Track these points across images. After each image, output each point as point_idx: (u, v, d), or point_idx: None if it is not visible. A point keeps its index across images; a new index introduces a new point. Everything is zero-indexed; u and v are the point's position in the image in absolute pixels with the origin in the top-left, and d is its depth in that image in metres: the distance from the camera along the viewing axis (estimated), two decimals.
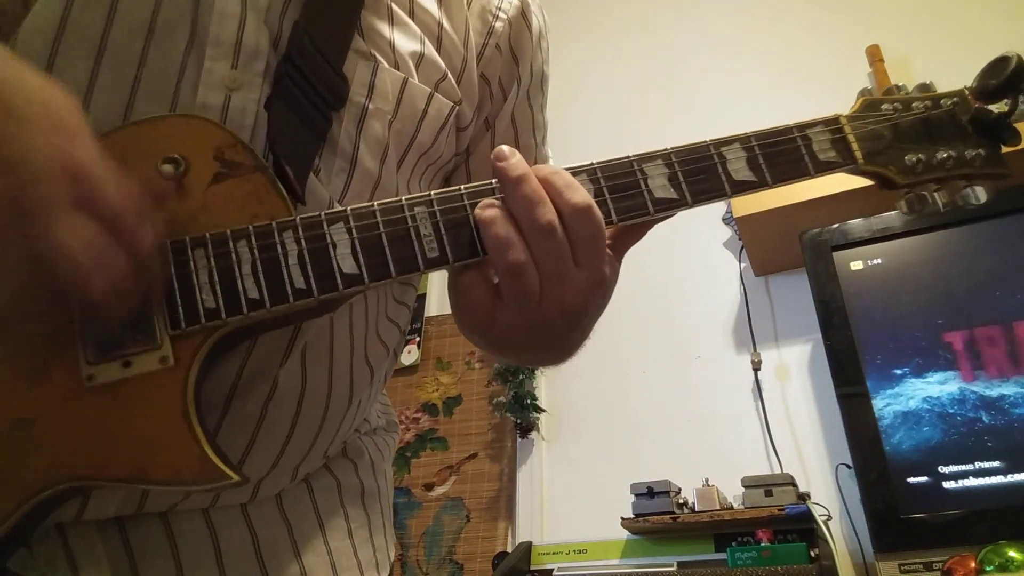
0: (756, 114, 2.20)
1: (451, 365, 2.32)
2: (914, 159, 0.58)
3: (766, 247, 1.87)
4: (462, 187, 0.52)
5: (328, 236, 0.49)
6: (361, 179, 0.58)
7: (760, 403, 1.87)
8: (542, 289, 0.49)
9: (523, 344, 0.53)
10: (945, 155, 0.58)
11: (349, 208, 0.50)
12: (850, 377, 1.50)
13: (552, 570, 1.68)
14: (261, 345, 0.54)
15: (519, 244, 0.48)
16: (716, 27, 2.37)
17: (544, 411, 2.12)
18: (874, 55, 1.99)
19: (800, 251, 1.64)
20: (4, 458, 0.44)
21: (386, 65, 0.60)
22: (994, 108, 0.59)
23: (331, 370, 0.60)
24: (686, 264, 2.07)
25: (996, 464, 1.36)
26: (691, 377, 1.99)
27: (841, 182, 1.67)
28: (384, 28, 0.61)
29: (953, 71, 1.92)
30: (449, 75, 0.66)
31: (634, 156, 0.54)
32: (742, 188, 0.55)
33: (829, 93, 2.07)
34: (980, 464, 1.37)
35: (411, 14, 0.64)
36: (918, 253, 1.57)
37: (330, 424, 0.62)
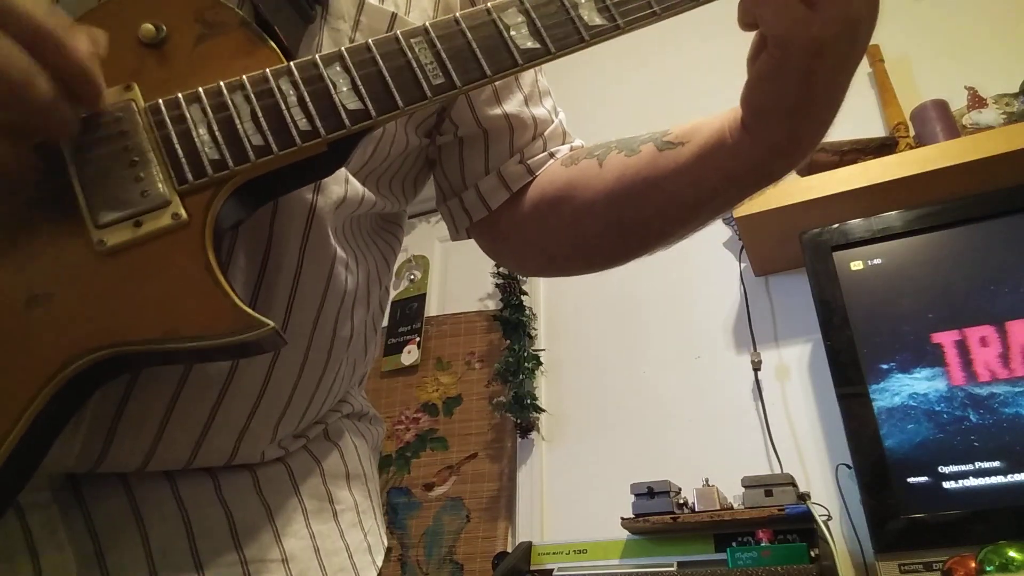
0: None
1: (451, 365, 2.32)
2: None
3: (766, 247, 1.87)
4: (456, 13, 0.51)
5: (326, 76, 0.48)
6: None
7: (760, 403, 1.87)
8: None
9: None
10: None
11: (343, 48, 0.48)
12: (850, 377, 1.50)
13: (552, 570, 1.68)
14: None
15: None
16: (715, 25, 2.36)
17: (544, 411, 2.12)
18: (874, 55, 1.99)
19: (800, 251, 1.64)
20: (25, 337, 0.42)
21: None
22: None
23: (317, 318, 0.58)
24: (686, 264, 2.07)
25: (996, 464, 1.36)
26: (691, 377, 1.99)
27: (841, 182, 1.67)
28: None
29: (953, 72, 1.93)
30: None
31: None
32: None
33: None
34: (980, 464, 1.37)
35: None
36: (918, 253, 1.57)
37: (309, 376, 0.59)
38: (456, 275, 2.48)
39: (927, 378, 1.46)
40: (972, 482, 1.36)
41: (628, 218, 0.67)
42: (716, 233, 2.11)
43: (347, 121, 0.47)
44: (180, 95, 0.46)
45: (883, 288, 1.56)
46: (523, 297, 2.24)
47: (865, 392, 1.47)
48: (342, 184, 0.59)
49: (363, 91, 0.48)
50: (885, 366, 1.49)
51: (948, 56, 1.98)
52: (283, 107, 0.47)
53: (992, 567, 1.21)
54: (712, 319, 2.03)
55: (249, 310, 0.43)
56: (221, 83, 0.47)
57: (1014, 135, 1.57)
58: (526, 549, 1.74)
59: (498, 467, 2.10)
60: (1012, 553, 1.21)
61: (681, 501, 1.62)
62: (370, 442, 0.73)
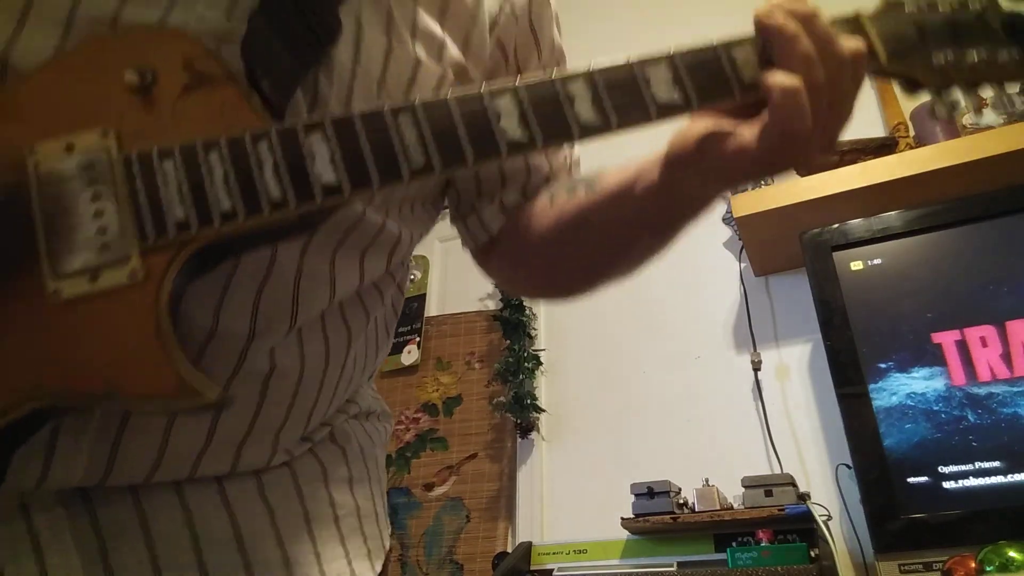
0: None
1: (451, 365, 2.32)
2: (942, 60, 0.55)
3: (766, 247, 1.87)
4: (448, 94, 0.49)
5: (306, 146, 0.46)
6: None
7: (760, 403, 1.87)
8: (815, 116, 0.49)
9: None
10: (976, 57, 0.55)
11: (328, 117, 0.47)
12: (850, 377, 1.50)
13: (552, 570, 1.68)
14: (232, 295, 0.52)
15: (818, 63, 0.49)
16: (715, 26, 2.36)
17: (544, 411, 2.12)
18: None
19: (800, 251, 1.64)
20: None
21: (373, 28, 0.58)
22: None
23: (296, 326, 0.57)
24: (686, 264, 2.07)
25: (996, 464, 1.36)
26: (691, 377, 1.99)
27: (841, 182, 1.67)
28: None
29: None
30: (450, 42, 0.64)
31: (635, 59, 0.52)
32: (752, 88, 0.52)
33: None
34: (980, 464, 1.37)
35: None
36: (918, 253, 1.57)
37: (307, 386, 0.59)
38: (456, 275, 2.48)
39: (925, 377, 1.46)
40: (972, 482, 1.36)
41: (567, 255, 0.70)
42: (716, 233, 2.11)
43: (319, 196, 0.46)
44: (155, 149, 0.45)
45: (883, 288, 1.56)
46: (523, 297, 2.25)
47: (865, 392, 1.47)
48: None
49: (340, 165, 0.46)
50: (883, 365, 1.49)
51: None
52: (256, 174, 0.45)
53: (992, 567, 1.21)
54: (712, 319, 2.03)
55: (192, 377, 0.43)
56: (197, 141, 0.46)
57: (1014, 135, 1.57)
58: (526, 549, 1.74)
59: (498, 467, 2.10)
60: (1012, 553, 1.21)
61: (681, 501, 1.62)
62: (377, 441, 0.73)
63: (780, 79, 0.48)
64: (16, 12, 0.49)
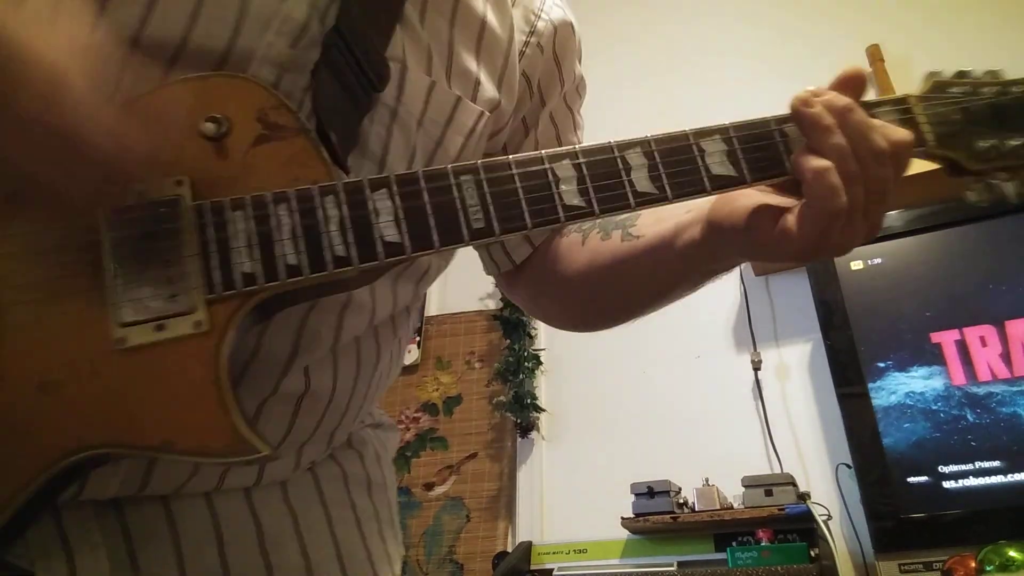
0: (757, 111, 2.20)
1: (451, 365, 2.32)
2: (986, 145, 0.56)
3: None
4: (510, 157, 0.50)
5: (371, 203, 0.47)
6: None
7: (760, 403, 1.87)
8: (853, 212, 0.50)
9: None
10: (1018, 142, 0.56)
11: (393, 174, 0.48)
12: (850, 377, 1.50)
13: (552, 570, 1.68)
14: (278, 320, 0.53)
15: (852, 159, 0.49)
16: (714, 25, 2.37)
17: (544, 411, 2.12)
18: (874, 55, 1.99)
19: None
20: (30, 421, 0.42)
21: (415, 68, 0.60)
22: None
23: (335, 347, 0.58)
24: None
25: (996, 464, 1.36)
26: (691, 377, 1.99)
27: None
28: (419, 30, 0.61)
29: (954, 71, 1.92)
30: (484, 79, 0.65)
31: (691, 131, 0.54)
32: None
33: None
34: (980, 464, 1.37)
35: (453, 14, 0.64)
36: (918, 253, 1.57)
37: (336, 405, 0.60)
38: (456, 275, 2.47)
39: (923, 377, 1.46)
40: (972, 482, 1.36)
41: (602, 297, 0.73)
42: None
43: (382, 254, 0.47)
44: (226, 200, 0.46)
45: (883, 287, 1.56)
46: None
47: (865, 392, 1.47)
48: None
49: (403, 225, 0.47)
50: (882, 364, 1.49)
51: (948, 56, 1.98)
52: (322, 229, 0.46)
53: (992, 567, 1.21)
54: (712, 319, 2.03)
55: (247, 432, 0.43)
56: (268, 194, 0.47)
57: None
58: (526, 549, 1.74)
59: (498, 467, 2.11)
60: (1012, 553, 1.21)
61: (681, 501, 1.62)
62: (390, 449, 0.74)
63: (811, 162, 0.50)
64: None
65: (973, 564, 1.24)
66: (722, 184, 0.52)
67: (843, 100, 0.51)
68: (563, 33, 0.73)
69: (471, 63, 0.64)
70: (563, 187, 0.50)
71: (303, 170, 0.48)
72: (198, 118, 0.47)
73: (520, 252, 0.75)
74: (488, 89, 0.66)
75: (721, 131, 0.53)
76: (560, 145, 0.65)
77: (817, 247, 0.51)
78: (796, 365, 1.89)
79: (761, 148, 0.53)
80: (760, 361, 1.89)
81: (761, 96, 2.43)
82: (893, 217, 1.58)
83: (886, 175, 0.50)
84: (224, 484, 0.54)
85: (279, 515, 0.57)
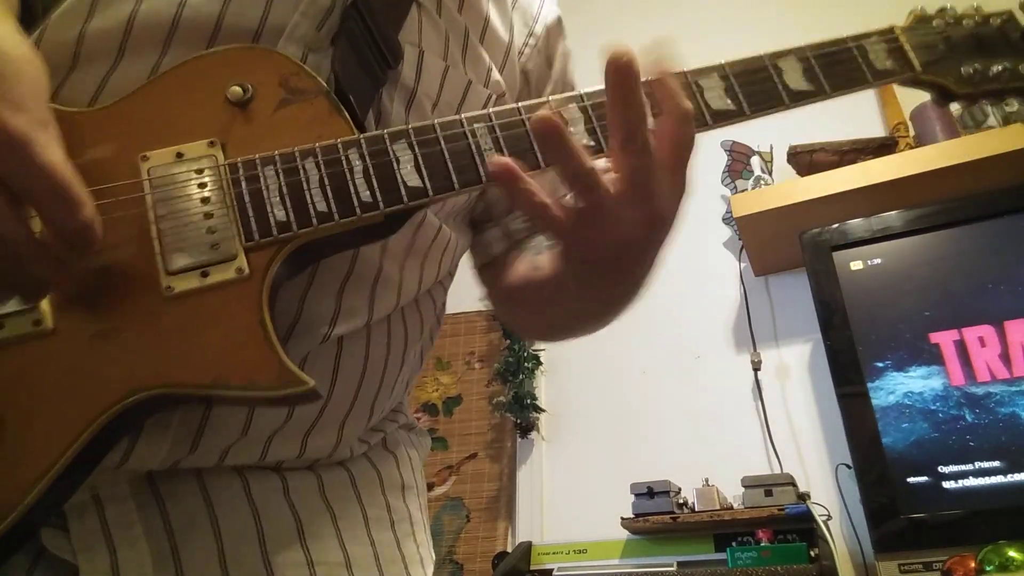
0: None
1: (451, 365, 2.32)
2: (970, 70, 0.59)
3: (766, 247, 1.87)
4: (519, 104, 0.53)
5: (391, 152, 0.51)
6: None
7: (760, 403, 1.87)
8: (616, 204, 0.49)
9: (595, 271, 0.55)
10: (1000, 68, 0.60)
11: (410, 126, 0.51)
12: (850, 377, 1.50)
13: (552, 570, 1.68)
14: (317, 286, 0.55)
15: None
16: (715, 25, 2.37)
17: (544, 411, 2.12)
18: None
19: (800, 251, 1.65)
20: (85, 368, 0.45)
21: (431, 52, 0.63)
22: None
23: (369, 322, 0.60)
24: (686, 264, 2.07)
25: (996, 464, 1.36)
26: (691, 377, 1.99)
27: (841, 182, 1.67)
28: (436, 17, 0.65)
29: None
30: (493, 67, 0.69)
31: (688, 70, 0.55)
32: (800, 98, 0.57)
33: None
34: (980, 464, 1.37)
35: (460, 7, 0.67)
36: (918, 253, 1.57)
37: (371, 375, 0.61)
38: (456, 275, 2.48)
39: (922, 377, 1.46)
40: (972, 482, 1.36)
41: (518, 316, 0.75)
42: (716, 233, 2.11)
43: (405, 197, 0.50)
44: (257, 157, 0.50)
45: (883, 288, 1.56)
46: None
47: (865, 392, 1.47)
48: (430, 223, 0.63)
49: (424, 170, 0.51)
50: (880, 364, 1.49)
51: None
52: (348, 178, 0.50)
53: (992, 567, 1.21)
54: (712, 319, 2.04)
55: (293, 367, 0.46)
56: (295, 149, 0.50)
57: (1014, 135, 1.57)
58: (526, 549, 1.74)
59: (498, 467, 2.11)
60: (1012, 553, 1.21)
61: (681, 501, 1.62)
62: (422, 453, 0.75)
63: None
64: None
65: (973, 564, 1.24)
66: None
67: (658, 67, 0.50)
68: (553, 35, 0.77)
69: (482, 51, 0.68)
70: (571, 128, 0.52)
71: (326, 128, 0.52)
72: (226, 85, 0.51)
73: (498, 246, 0.76)
74: (495, 74, 0.69)
75: (718, 69, 0.56)
76: None
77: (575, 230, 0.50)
78: (796, 365, 1.89)
79: (755, 81, 0.56)
80: (760, 361, 1.89)
81: None
82: (893, 217, 1.59)
83: (689, 136, 0.50)
84: (268, 455, 0.55)
85: (318, 511, 0.58)
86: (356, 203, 0.49)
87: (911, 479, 1.39)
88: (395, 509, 0.65)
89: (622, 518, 1.61)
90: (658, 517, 1.57)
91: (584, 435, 2.07)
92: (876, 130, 1.90)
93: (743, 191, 1.92)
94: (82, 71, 0.54)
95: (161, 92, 0.52)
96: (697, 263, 2.07)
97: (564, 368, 2.19)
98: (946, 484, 1.37)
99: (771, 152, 1.98)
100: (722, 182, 2.04)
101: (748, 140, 2.03)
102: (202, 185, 0.49)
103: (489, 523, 2.03)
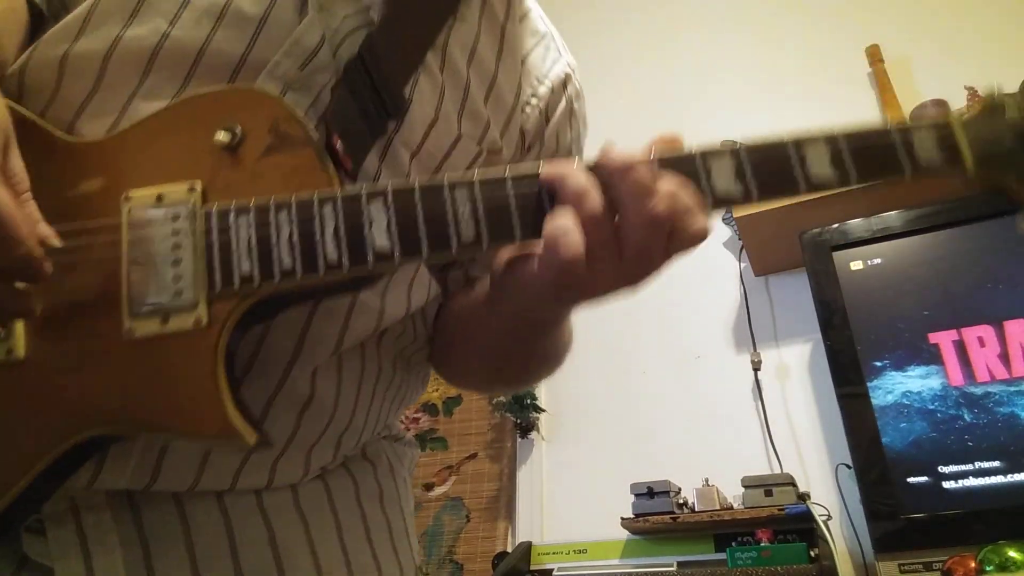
0: (756, 112, 2.20)
1: None
2: None
3: (766, 247, 1.87)
4: (506, 169, 0.51)
5: (366, 212, 0.50)
6: None
7: (760, 403, 1.87)
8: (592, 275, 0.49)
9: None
10: None
11: (390, 184, 0.50)
12: (850, 377, 1.50)
13: (552, 570, 1.68)
14: (284, 316, 0.55)
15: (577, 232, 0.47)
16: (716, 25, 2.37)
17: (544, 411, 2.12)
18: (874, 55, 1.99)
19: (800, 251, 1.65)
20: (48, 399, 0.47)
21: (420, 102, 0.62)
22: None
23: (339, 349, 0.59)
24: (686, 264, 2.06)
25: (996, 464, 1.36)
26: (691, 377, 1.99)
27: None
28: (437, 72, 0.64)
29: (953, 71, 1.93)
30: (492, 124, 0.68)
31: (696, 149, 0.51)
32: (820, 186, 0.51)
33: (829, 92, 2.07)
34: (980, 464, 1.37)
35: (469, 62, 0.67)
36: (918, 253, 1.57)
37: (341, 412, 0.61)
38: None
39: (921, 376, 1.46)
40: (972, 482, 1.36)
41: (458, 344, 0.72)
42: (716, 233, 2.11)
43: (371, 261, 0.49)
44: (232, 205, 0.50)
45: (883, 288, 1.56)
46: None
47: (865, 392, 1.47)
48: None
49: (395, 233, 0.49)
50: (879, 363, 1.49)
51: (948, 56, 1.98)
52: (319, 235, 0.49)
53: (992, 567, 1.21)
54: (712, 319, 2.03)
55: (237, 423, 0.47)
56: (271, 200, 0.50)
57: None
58: (526, 549, 1.74)
59: (498, 467, 2.11)
60: (1012, 553, 1.21)
61: (681, 501, 1.62)
62: (405, 463, 0.74)
63: (554, 217, 0.48)
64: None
65: (973, 564, 1.24)
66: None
67: (622, 159, 0.48)
68: (557, 93, 0.75)
69: (482, 108, 0.67)
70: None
71: (308, 179, 0.51)
72: (216, 127, 0.51)
73: (454, 287, 0.74)
74: (494, 133, 0.68)
75: (731, 150, 0.51)
76: None
77: (561, 288, 0.50)
78: (796, 365, 1.89)
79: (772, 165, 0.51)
80: (760, 361, 1.89)
81: (760, 95, 2.44)
82: (893, 217, 1.59)
83: (648, 241, 0.48)
84: (237, 485, 0.56)
85: (291, 522, 0.58)
86: (321, 262, 0.49)
87: (911, 479, 1.39)
88: (371, 517, 0.65)
89: (622, 518, 1.61)
90: (658, 517, 1.57)
91: (584, 435, 2.07)
92: None
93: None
94: (65, 91, 0.55)
95: (155, 129, 0.53)
96: (697, 263, 2.06)
97: (564, 368, 2.18)
98: (946, 484, 1.37)
99: None
100: None
101: None
102: (176, 231, 0.50)
103: (489, 523, 2.03)
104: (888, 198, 1.62)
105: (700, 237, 0.49)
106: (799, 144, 0.51)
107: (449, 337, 0.72)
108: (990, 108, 0.52)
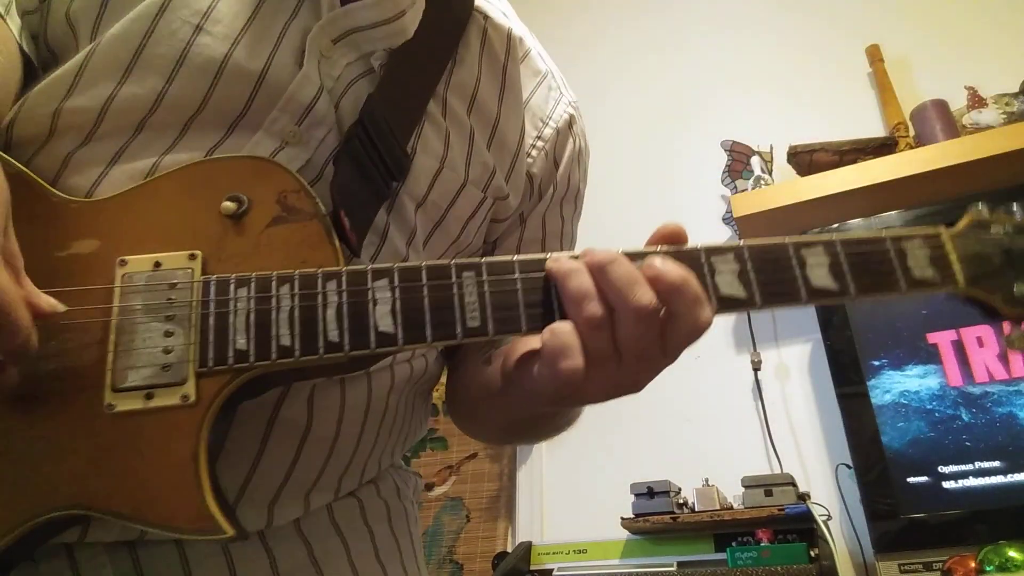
0: (757, 111, 2.19)
1: None
2: None
3: None
4: (514, 257, 0.50)
5: (371, 292, 0.48)
6: (389, 256, 0.60)
7: (760, 403, 1.87)
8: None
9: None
10: None
11: (396, 265, 0.48)
12: (850, 377, 1.50)
13: (552, 570, 1.68)
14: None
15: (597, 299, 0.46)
16: (715, 26, 2.37)
17: None
18: (874, 55, 1.99)
19: None
20: (14, 474, 0.44)
21: (424, 153, 0.62)
22: None
23: (343, 404, 0.58)
24: None
25: (996, 464, 1.36)
26: (691, 377, 1.99)
27: (841, 182, 1.67)
28: (441, 120, 0.64)
29: (953, 71, 1.93)
30: (497, 171, 0.67)
31: (702, 247, 0.51)
32: (820, 297, 0.50)
33: (829, 92, 2.07)
34: (980, 464, 1.37)
35: (469, 109, 0.66)
36: None
37: (340, 452, 0.60)
38: None
39: (919, 376, 1.46)
40: (972, 482, 1.36)
41: (477, 413, 0.73)
42: (716, 233, 2.11)
43: (374, 343, 0.47)
44: (233, 276, 0.48)
45: None
46: None
47: (865, 392, 1.47)
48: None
49: (399, 316, 0.47)
50: (877, 363, 1.49)
51: (948, 56, 1.98)
52: (320, 313, 0.47)
53: (992, 567, 1.21)
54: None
55: (216, 513, 0.44)
56: (274, 273, 0.48)
57: (1014, 135, 1.57)
58: (526, 549, 1.74)
59: (498, 467, 2.10)
60: (1012, 553, 1.21)
61: (681, 501, 1.62)
62: (410, 485, 0.74)
63: (554, 325, 0.48)
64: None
65: (973, 564, 1.24)
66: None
67: (601, 256, 0.47)
68: (563, 137, 0.74)
69: (487, 156, 0.67)
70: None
71: (313, 253, 0.49)
72: (223, 195, 0.50)
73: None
74: (499, 179, 0.68)
75: (735, 250, 0.51)
76: (543, 250, 0.67)
77: (562, 397, 0.50)
78: (796, 365, 1.89)
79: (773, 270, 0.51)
80: (760, 361, 1.89)
81: (761, 96, 2.43)
82: (893, 217, 1.59)
83: (641, 333, 0.47)
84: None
85: (294, 548, 0.57)
86: (321, 342, 0.46)
87: (911, 479, 1.39)
88: (379, 537, 0.64)
89: (622, 518, 1.61)
90: (658, 517, 1.57)
91: (584, 435, 2.07)
92: (876, 130, 1.90)
93: (743, 191, 1.91)
94: (54, 145, 0.54)
95: (158, 193, 0.51)
96: None
97: None
98: (946, 484, 1.37)
99: (771, 152, 1.98)
100: (722, 182, 2.04)
101: (748, 140, 2.03)
102: (170, 300, 0.47)
103: (489, 523, 2.03)
104: (888, 198, 1.62)
105: (699, 327, 0.47)
106: (800, 248, 0.52)
107: (469, 410, 0.73)
108: (976, 222, 0.55)
